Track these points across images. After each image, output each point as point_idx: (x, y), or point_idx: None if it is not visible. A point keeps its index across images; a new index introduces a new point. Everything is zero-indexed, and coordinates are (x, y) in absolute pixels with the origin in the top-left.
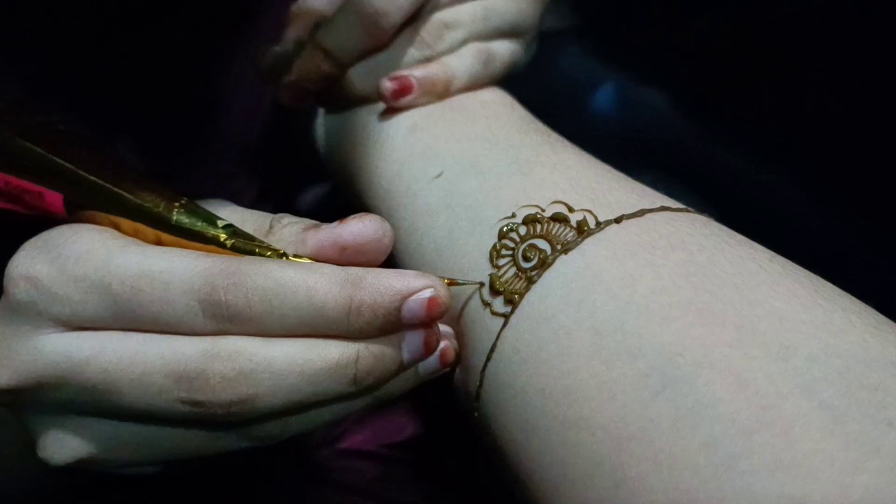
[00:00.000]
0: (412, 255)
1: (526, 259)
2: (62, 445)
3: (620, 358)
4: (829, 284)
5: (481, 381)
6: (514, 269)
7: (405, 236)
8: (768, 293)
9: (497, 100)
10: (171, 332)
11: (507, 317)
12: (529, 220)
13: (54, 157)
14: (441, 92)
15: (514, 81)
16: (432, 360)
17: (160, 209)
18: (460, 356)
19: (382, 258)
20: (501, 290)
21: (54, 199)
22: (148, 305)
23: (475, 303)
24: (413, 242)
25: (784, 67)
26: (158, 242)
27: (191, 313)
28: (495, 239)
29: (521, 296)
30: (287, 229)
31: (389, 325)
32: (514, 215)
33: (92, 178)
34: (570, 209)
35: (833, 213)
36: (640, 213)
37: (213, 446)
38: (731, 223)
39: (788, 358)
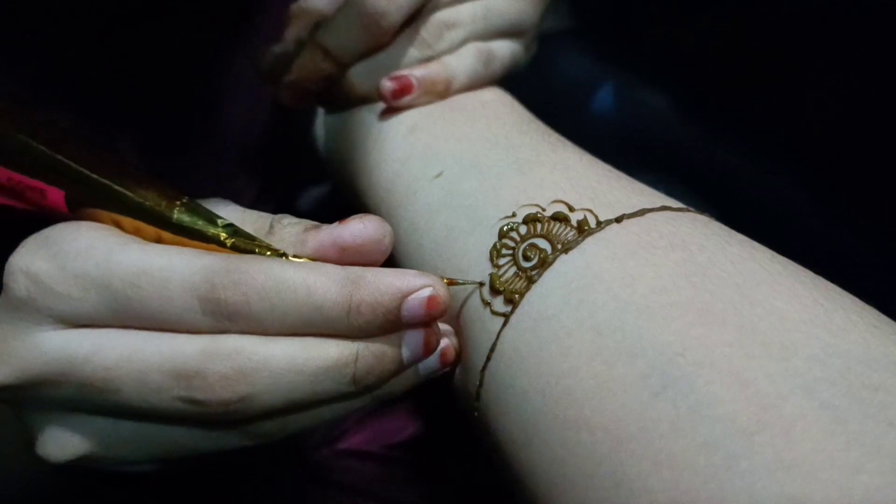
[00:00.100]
0: (412, 255)
1: (526, 258)
2: (61, 443)
3: (621, 358)
4: (830, 284)
5: (481, 380)
6: (514, 269)
7: (405, 236)
8: (769, 293)
9: (497, 99)
10: (170, 330)
11: (507, 316)
12: (530, 220)
13: (56, 154)
14: (441, 92)
15: (514, 82)
16: (432, 360)
17: (161, 207)
18: (460, 356)
19: (382, 259)
20: (501, 289)
21: (56, 195)
22: (147, 303)
23: (475, 302)
24: (413, 242)
25: (784, 67)
26: (159, 241)
27: (190, 311)
28: (495, 238)
29: (522, 295)
30: (287, 230)
31: (389, 324)
32: (514, 215)
33: (93, 175)
34: (571, 208)
35: (833, 213)
36: (641, 212)
37: (211, 444)
38: (731, 223)
39: (789, 358)
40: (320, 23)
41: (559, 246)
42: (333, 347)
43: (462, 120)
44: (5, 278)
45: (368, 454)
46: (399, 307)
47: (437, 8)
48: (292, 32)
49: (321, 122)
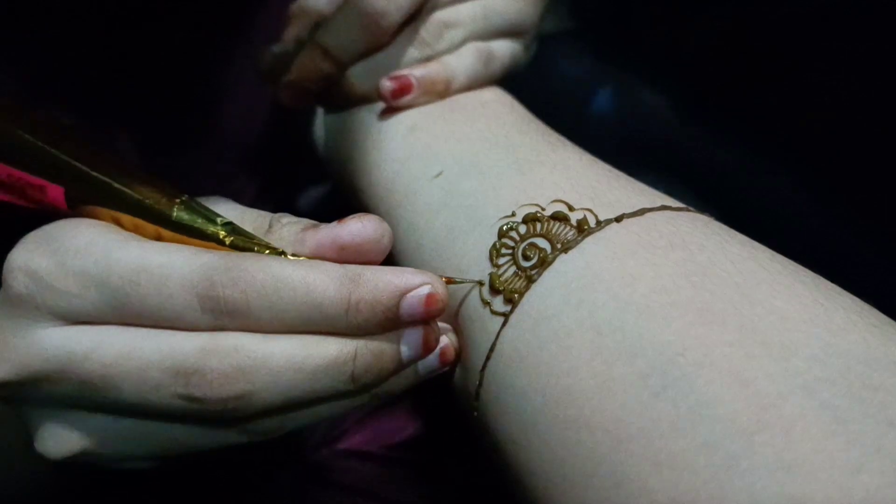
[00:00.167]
0: (411, 254)
1: (526, 258)
2: (59, 439)
3: (620, 357)
4: (830, 284)
5: (481, 380)
6: (513, 268)
7: (405, 235)
8: (769, 292)
9: (497, 99)
10: (169, 328)
11: (506, 316)
12: (529, 219)
13: (57, 152)
14: (441, 91)
15: (513, 84)
16: (432, 359)
17: (160, 205)
18: (460, 355)
19: (381, 258)
20: (501, 288)
21: (56, 192)
22: (146, 300)
23: (475, 302)
24: (412, 241)
25: (784, 67)
26: (158, 239)
27: (189, 308)
28: (495, 238)
29: (521, 295)
30: (286, 229)
31: (388, 321)
32: (513, 214)
33: (94, 173)
34: (571, 208)
35: (833, 213)
36: (641, 212)
37: (210, 442)
38: (731, 223)
39: (789, 357)
40: (320, 22)
41: (559, 245)
42: (332, 345)
43: (462, 120)
44: (4, 275)
45: (368, 454)
46: (398, 305)
47: (436, 7)
48: (292, 32)
49: (321, 121)
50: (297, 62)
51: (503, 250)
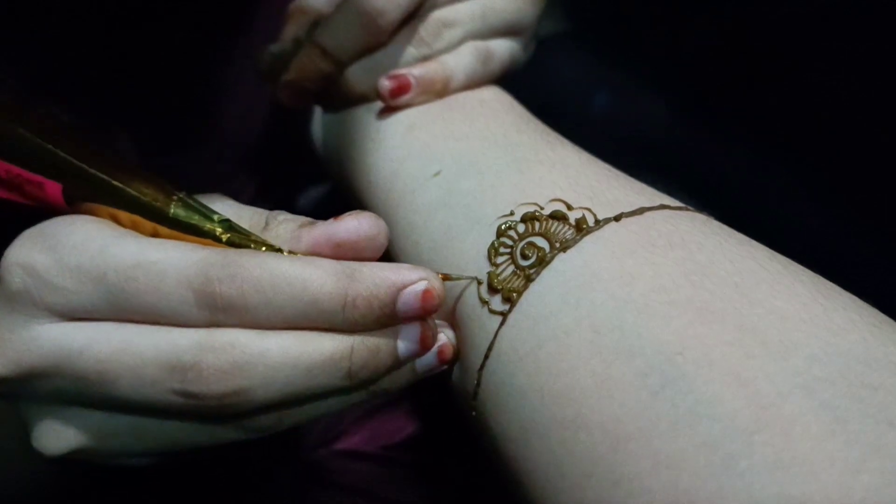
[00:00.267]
0: (410, 254)
1: (524, 257)
2: (56, 436)
3: (619, 357)
4: (829, 283)
5: (479, 380)
6: (512, 267)
7: (403, 235)
8: (768, 292)
9: (496, 98)
10: (166, 324)
11: (505, 315)
12: (528, 218)
13: (55, 149)
14: (439, 90)
15: (511, 85)
16: (429, 357)
17: (158, 202)
18: (458, 354)
19: (377, 255)
20: (499, 287)
21: (54, 189)
22: (143, 296)
23: (473, 301)
24: (411, 241)
25: (784, 67)
26: (155, 235)
27: (185, 304)
28: (493, 237)
29: (520, 294)
30: (283, 226)
31: (385, 317)
32: (512, 213)
33: (91, 170)
34: (569, 207)
35: (833, 213)
36: (640, 211)
37: (207, 438)
38: (730, 223)
39: (789, 357)
40: (318, 21)
41: (557, 244)
42: (329, 341)
43: (460, 119)
44: (2, 271)
45: (367, 454)
46: (394, 300)
47: (435, 6)
48: (290, 31)
49: (319, 121)
50: (295, 61)
51: (501, 249)
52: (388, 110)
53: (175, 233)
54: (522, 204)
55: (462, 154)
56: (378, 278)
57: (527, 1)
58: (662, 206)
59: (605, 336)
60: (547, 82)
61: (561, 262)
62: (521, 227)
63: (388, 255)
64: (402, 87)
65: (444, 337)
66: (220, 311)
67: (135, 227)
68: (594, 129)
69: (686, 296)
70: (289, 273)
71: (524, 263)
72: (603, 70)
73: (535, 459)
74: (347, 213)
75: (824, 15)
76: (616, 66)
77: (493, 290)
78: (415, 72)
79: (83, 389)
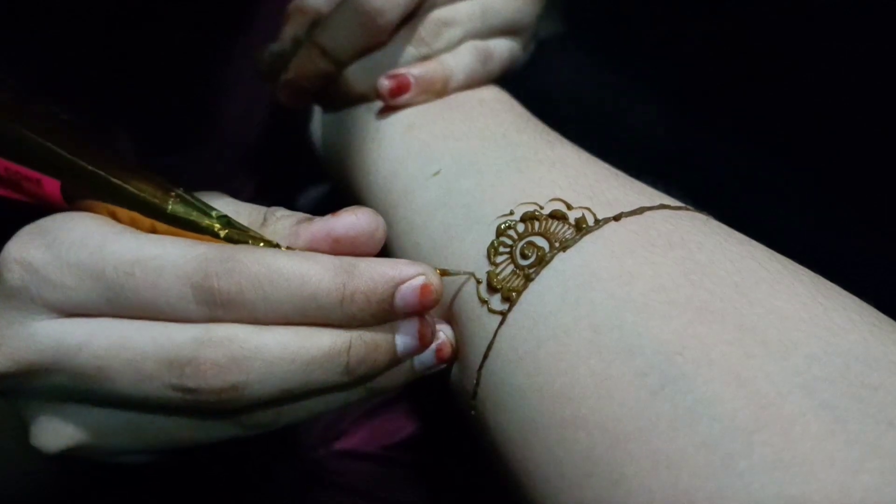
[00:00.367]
0: (409, 253)
1: (524, 256)
2: (54, 432)
3: (619, 356)
4: (829, 283)
5: (478, 379)
6: (511, 267)
7: (402, 234)
8: (768, 291)
9: (495, 98)
10: (164, 319)
11: (504, 314)
12: (527, 218)
13: (54, 146)
14: (439, 90)
15: (511, 85)
16: (428, 355)
17: (156, 199)
18: (457, 352)
19: (375, 251)
20: (499, 287)
21: (52, 186)
22: (141, 291)
23: (472, 300)
24: (410, 240)
25: (784, 67)
26: (154, 232)
27: (183, 300)
28: (493, 236)
29: (519, 293)
30: (280, 222)
31: (383, 312)
32: (512, 213)
33: (90, 167)
34: (569, 206)
35: (833, 213)
36: (639, 210)
37: (205, 434)
38: (730, 223)
39: (788, 357)
40: (317, 21)
41: (557, 244)
42: (326, 336)
43: (460, 118)
44: (0, 267)
45: (366, 454)
46: (392, 295)
47: (434, 6)
48: (289, 31)
49: (319, 120)
50: (294, 61)
51: (501, 249)
52: (388, 110)
53: (173, 229)
54: (522, 203)
55: (461, 153)
56: (376, 273)
57: (526, 0)
58: (662, 206)
59: (605, 335)
60: (547, 82)
61: (560, 261)
62: (520, 227)
63: (387, 255)
64: (401, 87)
65: (443, 335)
66: (218, 307)
67: (133, 224)
68: (594, 129)
69: (686, 295)
70: (287, 268)
71: (524, 263)
72: (602, 70)
73: (535, 459)
74: (345, 209)
75: (824, 15)
76: (615, 65)
77: (492, 289)
78: (414, 71)
79: (81, 386)
